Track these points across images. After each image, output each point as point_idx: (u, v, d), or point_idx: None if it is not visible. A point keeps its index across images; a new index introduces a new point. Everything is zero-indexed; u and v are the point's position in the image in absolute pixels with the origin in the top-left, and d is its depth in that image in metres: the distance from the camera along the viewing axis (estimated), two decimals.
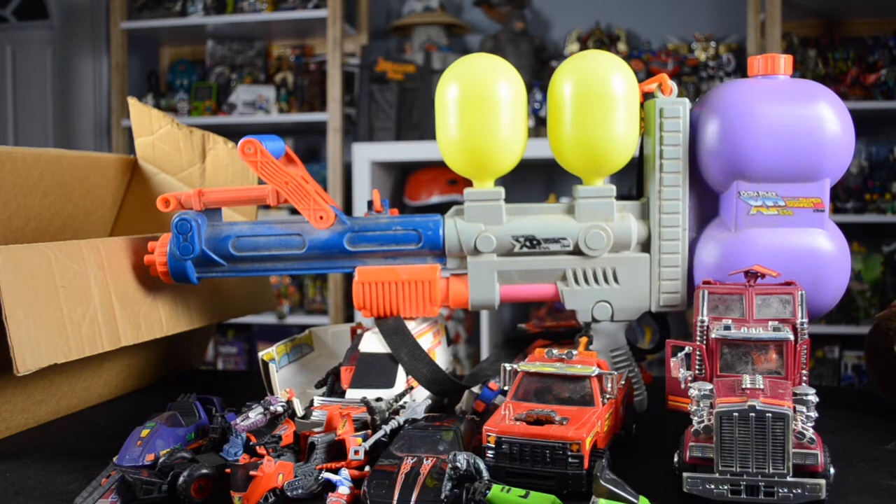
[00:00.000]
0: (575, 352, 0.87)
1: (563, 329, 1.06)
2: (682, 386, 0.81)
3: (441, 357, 1.05)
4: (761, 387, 0.73)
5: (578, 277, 0.98)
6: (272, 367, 0.96)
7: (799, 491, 0.69)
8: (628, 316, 0.99)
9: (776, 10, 2.96)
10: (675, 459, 0.74)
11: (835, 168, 0.93)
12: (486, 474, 0.72)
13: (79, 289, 0.94)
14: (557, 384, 0.83)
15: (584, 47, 3.40)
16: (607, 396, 0.82)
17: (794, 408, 0.70)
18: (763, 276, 0.86)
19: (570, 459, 0.73)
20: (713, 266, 0.95)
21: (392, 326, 0.96)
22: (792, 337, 0.79)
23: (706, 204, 0.99)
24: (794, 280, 0.88)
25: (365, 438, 0.79)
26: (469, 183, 1.00)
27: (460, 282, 0.99)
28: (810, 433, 0.70)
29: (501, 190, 0.99)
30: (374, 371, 0.93)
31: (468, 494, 0.70)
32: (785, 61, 0.96)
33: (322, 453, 0.77)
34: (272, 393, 0.95)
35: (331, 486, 0.74)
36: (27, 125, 4.06)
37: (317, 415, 0.85)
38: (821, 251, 0.94)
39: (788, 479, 0.69)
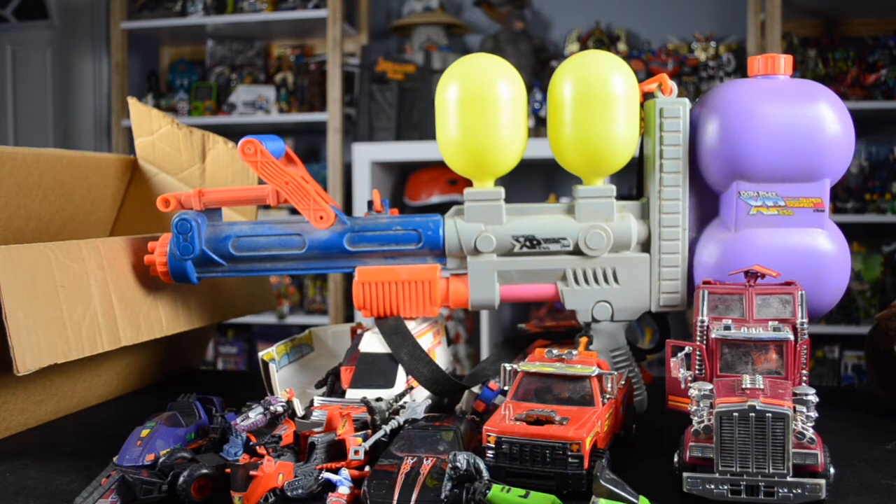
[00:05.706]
0: (575, 352, 0.87)
1: (563, 329, 1.05)
2: (682, 386, 0.81)
3: (441, 357, 1.05)
4: (761, 387, 0.73)
5: (578, 277, 0.98)
6: (272, 367, 0.96)
7: (799, 491, 0.69)
8: (628, 316, 0.99)
9: (776, 10, 2.96)
10: (675, 459, 0.74)
11: (835, 168, 0.93)
12: (486, 474, 0.72)
13: (79, 289, 0.94)
14: (557, 384, 0.83)
15: (584, 47, 3.40)
16: (607, 396, 0.82)
17: (794, 408, 0.70)
18: (763, 276, 0.86)
19: (570, 459, 0.73)
20: (713, 266, 0.95)
21: (392, 326, 0.96)
22: (792, 337, 0.79)
23: (706, 204, 0.99)
24: (794, 280, 0.88)
25: (365, 438, 0.79)
26: (469, 183, 1.00)
27: (460, 282, 0.99)
28: (810, 433, 0.70)
29: (501, 190, 0.99)
30: (374, 371, 0.93)
31: (468, 494, 0.70)
32: (785, 61, 0.96)
33: (322, 453, 0.77)
34: (272, 393, 0.95)
35: (331, 486, 0.74)
36: (27, 125, 4.06)
37: (317, 415, 0.85)
38: (821, 251, 0.94)
39: (788, 479, 0.69)
